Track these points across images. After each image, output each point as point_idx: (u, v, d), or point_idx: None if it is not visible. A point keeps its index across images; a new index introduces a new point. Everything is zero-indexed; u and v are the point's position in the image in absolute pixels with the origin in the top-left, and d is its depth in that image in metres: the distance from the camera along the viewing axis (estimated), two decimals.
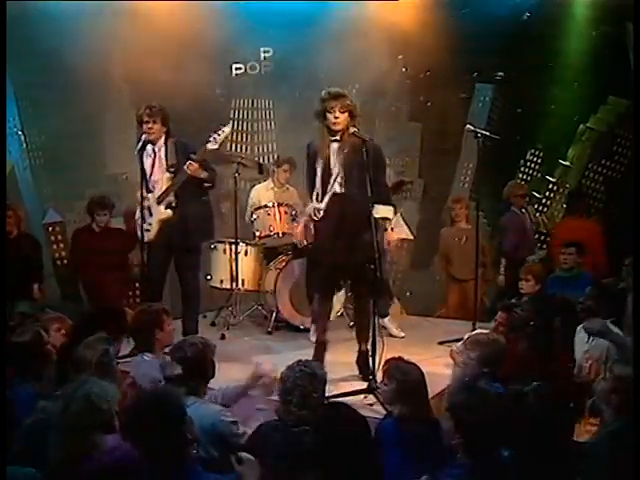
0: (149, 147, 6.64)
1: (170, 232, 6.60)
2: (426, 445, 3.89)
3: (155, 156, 6.61)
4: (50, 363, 4.63)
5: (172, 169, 6.57)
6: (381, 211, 5.70)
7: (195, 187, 6.61)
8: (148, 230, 6.65)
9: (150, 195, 6.65)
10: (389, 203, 5.85)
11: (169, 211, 6.59)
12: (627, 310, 5.49)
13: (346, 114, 5.68)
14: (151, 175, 6.64)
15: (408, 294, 9.02)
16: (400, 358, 4.43)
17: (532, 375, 4.39)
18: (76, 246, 7.94)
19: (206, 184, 6.66)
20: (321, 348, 5.95)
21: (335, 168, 5.75)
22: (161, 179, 6.61)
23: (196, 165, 6.47)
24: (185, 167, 6.46)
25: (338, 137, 5.74)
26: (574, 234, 7.74)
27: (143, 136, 6.58)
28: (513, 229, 8.14)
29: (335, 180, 5.76)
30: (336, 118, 5.67)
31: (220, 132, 6.64)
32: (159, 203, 6.60)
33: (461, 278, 8.12)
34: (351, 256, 5.68)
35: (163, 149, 6.61)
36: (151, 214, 6.65)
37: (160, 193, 6.60)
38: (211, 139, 6.60)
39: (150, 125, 6.52)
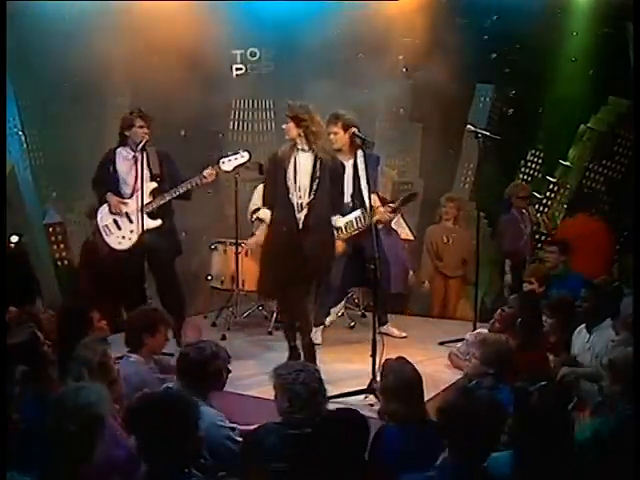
0: (125, 151, 6.50)
1: (150, 241, 6.42)
2: (426, 448, 3.87)
3: (136, 162, 6.37)
4: (48, 363, 4.61)
5: (158, 179, 6.45)
6: (338, 221, 5.99)
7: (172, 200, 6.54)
8: (127, 238, 6.48)
9: (129, 201, 6.49)
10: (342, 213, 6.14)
11: (158, 221, 6.46)
12: (623, 309, 5.50)
13: (291, 123, 5.83)
14: (135, 182, 6.42)
15: None
16: (400, 357, 4.42)
17: (526, 373, 4.42)
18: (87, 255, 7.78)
19: (188, 199, 6.58)
20: (296, 353, 6.06)
21: (299, 178, 5.87)
22: (145, 188, 6.41)
23: (214, 176, 6.47)
24: (206, 174, 6.41)
25: (302, 147, 5.89)
26: (570, 234, 7.80)
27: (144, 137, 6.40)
28: (511, 230, 8.14)
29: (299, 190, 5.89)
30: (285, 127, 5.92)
31: (238, 157, 6.61)
32: (146, 212, 6.39)
33: (448, 275, 8.24)
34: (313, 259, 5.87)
35: (145, 157, 6.38)
36: (131, 221, 6.48)
37: (147, 202, 6.41)
38: (225, 160, 6.56)
39: (145, 130, 6.41)
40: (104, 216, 6.62)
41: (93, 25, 7.98)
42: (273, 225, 5.95)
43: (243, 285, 7.45)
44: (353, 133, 6.28)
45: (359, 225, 6.58)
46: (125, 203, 6.49)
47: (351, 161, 6.61)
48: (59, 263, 8.51)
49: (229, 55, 8.83)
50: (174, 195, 6.46)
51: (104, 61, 8.21)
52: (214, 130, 8.87)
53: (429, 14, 8.66)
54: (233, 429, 4.18)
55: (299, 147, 5.87)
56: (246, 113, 9.06)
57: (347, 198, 6.47)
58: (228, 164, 6.57)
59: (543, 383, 3.51)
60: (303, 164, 5.85)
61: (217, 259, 7.59)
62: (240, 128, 9.04)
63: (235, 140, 8.98)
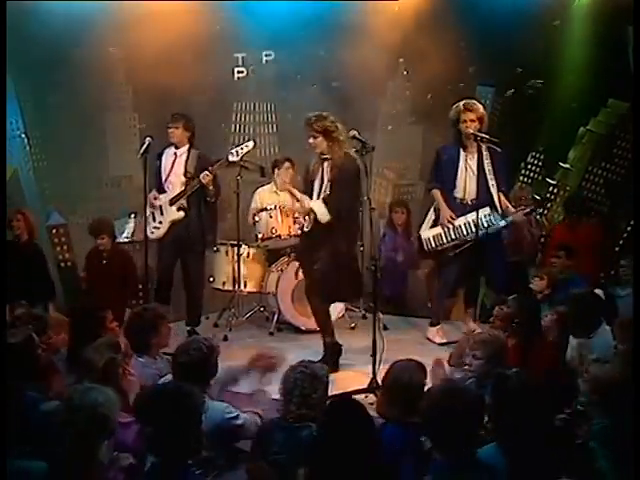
0: (170, 150, 7.04)
1: (179, 233, 6.97)
2: (420, 448, 3.91)
3: (175, 159, 7.01)
4: (43, 365, 4.65)
5: (188, 175, 6.96)
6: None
7: (205, 195, 7.01)
8: (157, 228, 6.99)
9: (162, 196, 6.99)
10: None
11: (181, 213, 6.97)
12: (619, 315, 5.54)
13: (320, 137, 5.92)
14: (168, 176, 7.02)
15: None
16: (411, 360, 4.43)
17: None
18: (88, 265, 7.74)
19: (210, 198, 7.01)
20: (336, 348, 6.13)
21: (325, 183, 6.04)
22: (176, 182, 7.00)
23: (210, 177, 6.87)
24: (201, 177, 6.85)
25: (327, 155, 6.00)
26: (566, 237, 7.81)
27: (147, 139, 6.74)
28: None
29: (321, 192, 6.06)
30: (312, 142, 5.98)
31: (243, 147, 7.14)
32: (172, 204, 6.98)
33: None
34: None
35: (185, 155, 7.03)
36: (162, 213, 7.00)
37: (174, 195, 6.97)
38: (233, 151, 7.09)
39: (172, 130, 6.97)
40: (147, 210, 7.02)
41: (95, 26, 8.03)
42: None
43: (245, 286, 7.51)
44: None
45: (488, 224, 6.73)
46: (158, 198, 6.99)
47: (475, 156, 6.75)
48: (62, 265, 8.56)
49: (231, 58, 8.86)
50: (188, 192, 6.94)
51: (106, 62, 8.27)
52: (215, 132, 8.90)
53: (429, 15, 8.68)
54: (237, 416, 4.27)
55: (322, 156, 6.01)
56: (248, 116, 9.10)
57: (468, 195, 6.70)
58: (234, 155, 7.09)
59: (517, 370, 3.58)
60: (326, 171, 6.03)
61: (219, 260, 7.64)
62: (241, 131, 9.08)
63: (236, 143, 9.01)
